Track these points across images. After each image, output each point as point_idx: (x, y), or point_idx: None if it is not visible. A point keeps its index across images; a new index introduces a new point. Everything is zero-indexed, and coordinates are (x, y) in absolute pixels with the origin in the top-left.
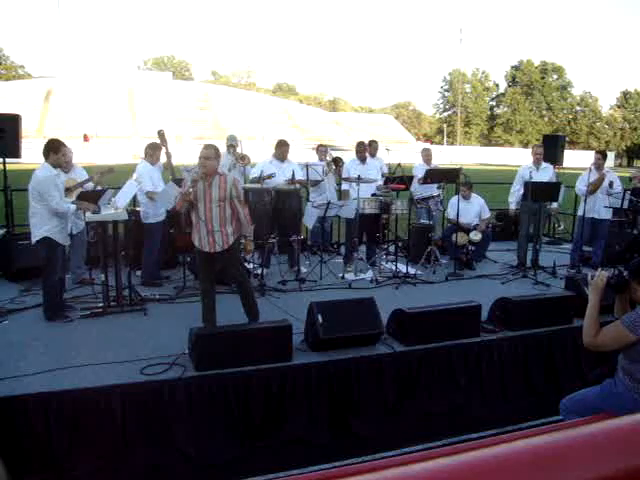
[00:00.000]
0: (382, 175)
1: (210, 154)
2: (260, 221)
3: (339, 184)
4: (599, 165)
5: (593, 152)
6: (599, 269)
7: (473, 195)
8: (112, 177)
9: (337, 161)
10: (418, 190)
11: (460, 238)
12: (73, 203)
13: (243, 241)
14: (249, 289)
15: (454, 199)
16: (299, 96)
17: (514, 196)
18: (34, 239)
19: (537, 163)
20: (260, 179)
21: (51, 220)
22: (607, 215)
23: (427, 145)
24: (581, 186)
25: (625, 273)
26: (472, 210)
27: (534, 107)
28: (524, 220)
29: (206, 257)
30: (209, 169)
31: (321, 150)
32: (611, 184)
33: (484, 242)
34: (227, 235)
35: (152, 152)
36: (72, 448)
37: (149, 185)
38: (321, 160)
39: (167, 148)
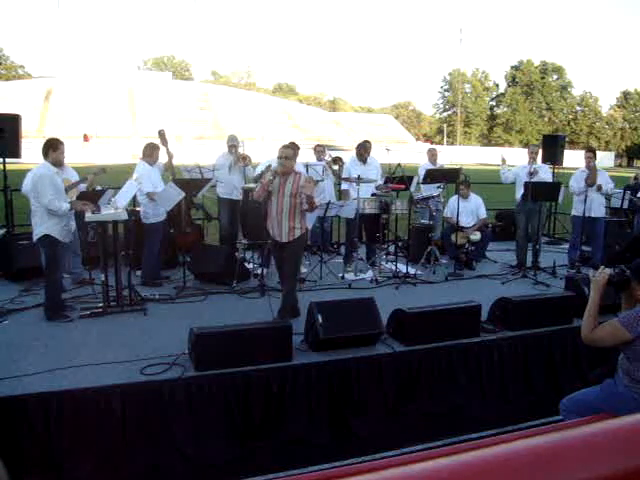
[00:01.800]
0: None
1: (290, 154)
2: (260, 221)
3: (339, 184)
4: (590, 163)
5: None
6: (601, 267)
7: (472, 195)
8: (112, 177)
9: (337, 160)
10: (421, 189)
11: (460, 238)
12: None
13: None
14: (294, 288)
15: (453, 199)
16: (299, 96)
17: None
18: (35, 237)
19: (532, 163)
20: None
21: (51, 218)
22: (601, 213)
23: (432, 145)
24: (575, 184)
25: (627, 272)
26: (471, 210)
27: (534, 107)
28: (521, 220)
29: (276, 245)
30: (287, 168)
31: (319, 150)
32: (600, 187)
33: (483, 242)
34: (293, 229)
35: (150, 152)
36: (72, 448)
37: (149, 186)
38: (319, 160)
39: (168, 148)
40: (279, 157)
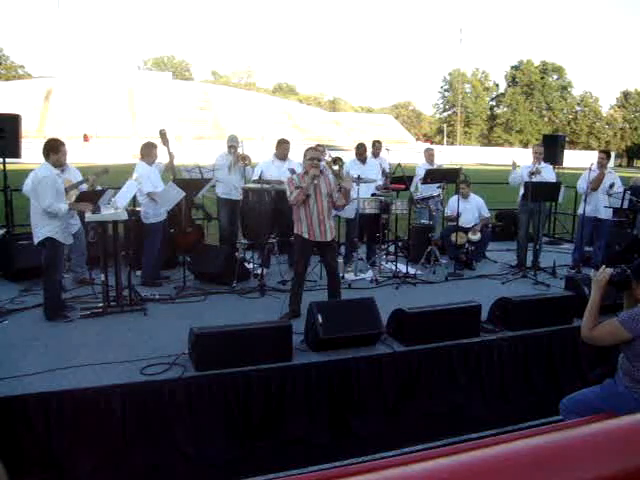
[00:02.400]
0: (384, 173)
1: (320, 155)
2: (260, 221)
3: (338, 184)
4: (602, 164)
5: (594, 152)
6: (603, 266)
7: (472, 195)
8: (112, 177)
9: (337, 160)
10: (421, 190)
11: (459, 238)
12: (68, 205)
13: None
14: (339, 280)
15: (453, 199)
16: (299, 96)
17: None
18: (36, 239)
19: (537, 163)
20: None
21: (52, 220)
22: (608, 215)
23: (429, 145)
24: (582, 183)
25: (628, 272)
26: (471, 209)
27: (534, 107)
28: (523, 220)
29: (310, 245)
30: (320, 170)
31: (319, 149)
32: (612, 185)
33: (483, 242)
34: (332, 227)
35: (148, 151)
36: (72, 448)
37: (149, 186)
38: (319, 160)
39: (169, 148)
40: (311, 158)
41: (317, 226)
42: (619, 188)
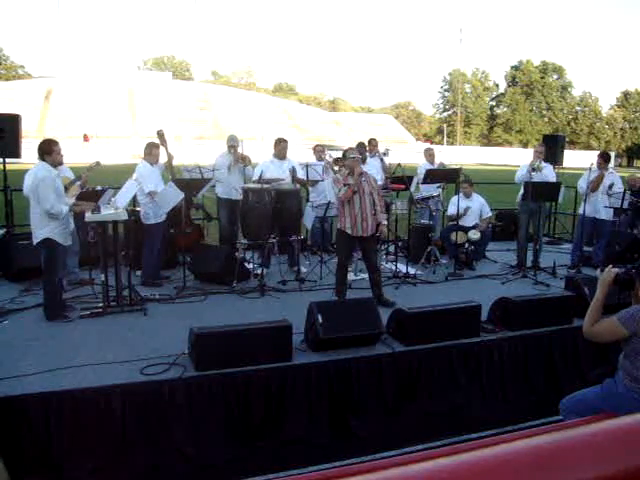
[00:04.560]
0: (382, 169)
1: (359, 156)
2: (260, 221)
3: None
4: (601, 167)
5: (594, 152)
6: (610, 265)
7: (474, 194)
8: (112, 177)
9: (339, 161)
10: (421, 190)
11: (459, 237)
12: (69, 204)
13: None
14: (380, 273)
15: (455, 198)
16: (299, 96)
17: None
18: (35, 240)
19: (538, 162)
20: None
21: (51, 221)
22: (608, 215)
23: (429, 145)
24: (582, 184)
25: (633, 271)
26: (473, 209)
27: (534, 107)
28: (523, 220)
29: (352, 239)
30: (360, 168)
31: (318, 150)
32: (611, 185)
33: (483, 241)
34: (373, 223)
35: (149, 151)
36: (72, 448)
37: (150, 185)
38: (319, 160)
39: (167, 148)
40: (353, 158)
41: (360, 222)
42: (619, 189)
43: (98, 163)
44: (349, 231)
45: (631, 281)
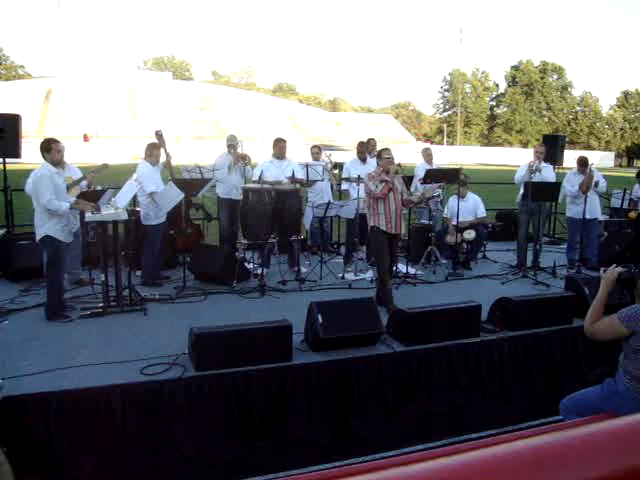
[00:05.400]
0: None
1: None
2: (260, 221)
3: (338, 184)
4: (580, 171)
5: (594, 152)
6: (613, 264)
7: (469, 194)
8: (112, 177)
9: (337, 166)
10: (420, 190)
11: (450, 237)
12: (70, 202)
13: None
14: (393, 269)
15: (452, 199)
16: (299, 96)
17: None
18: (37, 237)
19: (538, 162)
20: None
21: (51, 218)
22: (597, 214)
23: (427, 145)
24: (569, 186)
25: (634, 270)
26: (467, 209)
27: (534, 107)
28: (523, 220)
29: (388, 238)
30: (395, 167)
31: (314, 151)
32: (597, 184)
33: (479, 241)
34: (402, 223)
35: (150, 152)
36: (72, 448)
37: (151, 186)
38: (316, 160)
39: (166, 149)
40: (388, 158)
41: (394, 220)
42: (604, 187)
43: (106, 165)
44: (384, 228)
45: (633, 280)
